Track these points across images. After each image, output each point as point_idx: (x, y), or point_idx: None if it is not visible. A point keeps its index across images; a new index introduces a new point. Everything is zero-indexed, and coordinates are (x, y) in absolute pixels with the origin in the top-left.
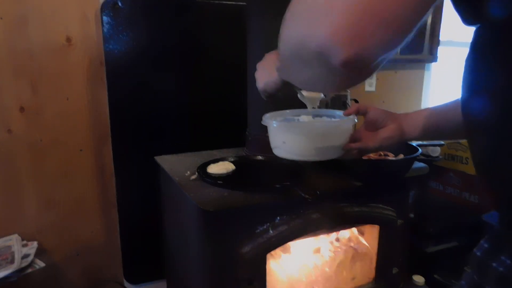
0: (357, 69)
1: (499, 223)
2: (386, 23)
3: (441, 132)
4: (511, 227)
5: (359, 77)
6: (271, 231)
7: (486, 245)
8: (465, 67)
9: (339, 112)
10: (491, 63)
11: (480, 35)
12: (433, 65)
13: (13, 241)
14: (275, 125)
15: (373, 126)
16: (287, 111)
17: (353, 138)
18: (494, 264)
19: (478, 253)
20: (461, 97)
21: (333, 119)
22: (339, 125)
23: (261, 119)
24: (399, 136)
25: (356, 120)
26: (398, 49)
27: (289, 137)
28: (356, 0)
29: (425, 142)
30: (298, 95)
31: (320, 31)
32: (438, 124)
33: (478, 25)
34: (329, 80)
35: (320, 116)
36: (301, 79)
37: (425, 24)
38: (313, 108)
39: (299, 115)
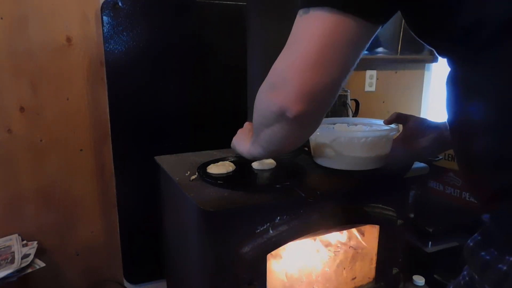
0: (305, 120)
1: (489, 220)
2: (319, 95)
3: None
4: (500, 224)
5: (307, 129)
6: (271, 231)
7: (479, 238)
8: (448, 92)
9: (376, 121)
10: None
11: (454, 65)
12: (433, 65)
13: (13, 241)
14: (318, 133)
15: (413, 135)
16: (327, 124)
17: (392, 148)
18: (482, 253)
19: (471, 244)
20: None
21: (376, 128)
22: (385, 134)
23: None
24: (439, 145)
25: (400, 130)
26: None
27: (335, 147)
28: (297, 82)
29: None
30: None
31: (278, 98)
32: None
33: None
34: (286, 135)
35: (355, 124)
36: (266, 141)
37: None
38: None
39: (334, 123)
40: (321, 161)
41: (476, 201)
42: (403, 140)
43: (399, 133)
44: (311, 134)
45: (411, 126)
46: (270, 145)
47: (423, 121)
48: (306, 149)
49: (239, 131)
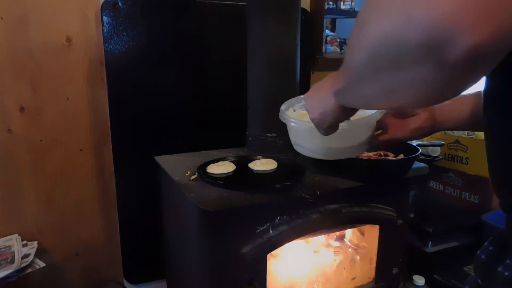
0: (484, 61)
1: (506, 223)
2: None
3: (475, 122)
4: None
5: (475, 77)
6: (271, 231)
7: (490, 248)
8: None
9: None
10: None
11: None
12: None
13: (13, 241)
14: (293, 125)
15: (401, 114)
16: (302, 96)
17: (379, 127)
18: (499, 268)
19: (483, 256)
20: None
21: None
22: (366, 121)
23: (260, 119)
24: (431, 126)
25: (384, 110)
26: None
27: (310, 137)
28: None
29: (425, 142)
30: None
31: (433, 11)
32: (473, 114)
33: None
34: (428, 86)
35: None
36: (378, 95)
37: None
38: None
39: None
40: (298, 149)
41: (482, 201)
42: (390, 119)
43: (383, 114)
44: (468, 86)
45: None
46: (381, 102)
47: None
48: None
49: (310, 96)
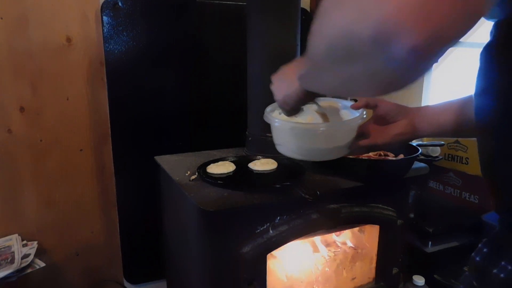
0: (424, 58)
1: (499, 225)
2: (450, 21)
3: (457, 130)
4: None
5: (418, 72)
6: (271, 231)
7: (485, 250)
8: (479, 63)
9: (345, 102)
10: (499, 62)
11: (496, 31)
12: (433, 65)
13: (13, 241)
14: (277, 124)
15: (382, 120)
16: None
17: (361, 133)
18: (494, 271)
19: (477, 258)
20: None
21: (338, 121)
22: (346, 124)
23: (260, 120)
24: (411, 133)
25: (364, 116)
26: None
27: (292, 137)
28: None
29: (425, 142)
30: (315, 109)
31: (380, 10)
32: (455, 121)
33: (497, 20)
34: (378, 77)
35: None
36: (335, 83)
37: None
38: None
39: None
40: (280, 149)
41: (482, 201)
42: (372, 125)
43: (365, 120)
44: (419, 77)
45: (381, 111)
46: (340, 92)
47: (393, 106)
48: None
49: (276, 77)
